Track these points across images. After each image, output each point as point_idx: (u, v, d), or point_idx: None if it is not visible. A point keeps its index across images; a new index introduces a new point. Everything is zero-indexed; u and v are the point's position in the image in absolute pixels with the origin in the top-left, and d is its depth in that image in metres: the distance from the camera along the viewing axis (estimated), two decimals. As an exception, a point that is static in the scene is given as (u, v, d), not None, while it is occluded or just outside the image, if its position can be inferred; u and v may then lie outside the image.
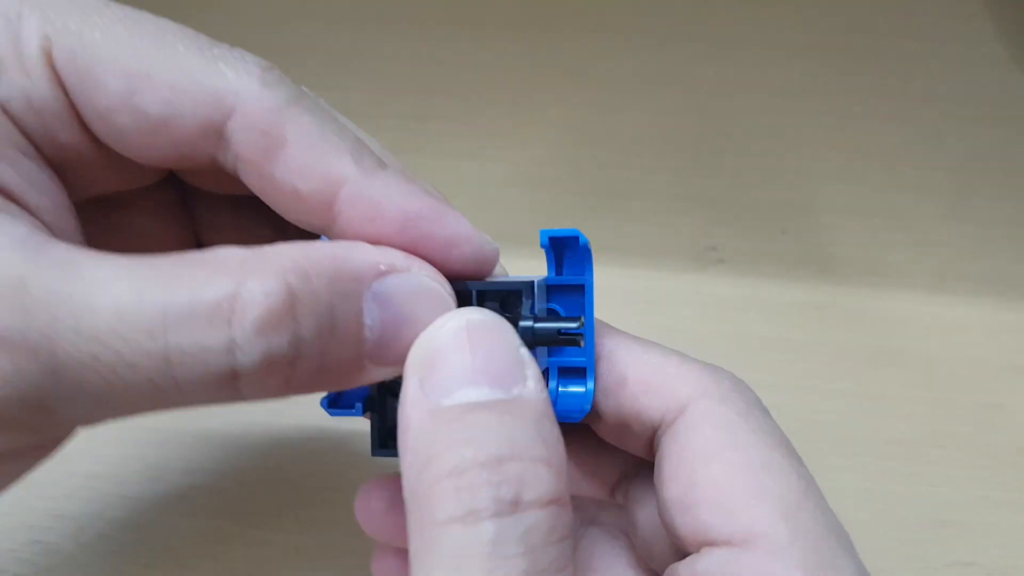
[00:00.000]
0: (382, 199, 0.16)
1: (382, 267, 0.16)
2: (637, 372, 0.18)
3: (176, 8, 0.51)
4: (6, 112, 0.16)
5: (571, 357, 0.19)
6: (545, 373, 0.19)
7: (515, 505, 0.13)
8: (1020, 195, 0.39)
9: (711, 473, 0.16)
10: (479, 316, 0.16)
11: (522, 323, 0.17)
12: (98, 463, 0.30)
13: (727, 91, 0.45)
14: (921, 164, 0.41)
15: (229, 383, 0.14)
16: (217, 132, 0.16)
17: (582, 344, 0.17)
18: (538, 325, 0.17)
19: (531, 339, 0.17)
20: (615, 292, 0.35)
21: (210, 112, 0.16)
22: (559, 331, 0.17)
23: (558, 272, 0.19)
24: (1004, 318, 0.34)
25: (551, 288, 0.19)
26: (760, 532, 0.15)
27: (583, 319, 0.17)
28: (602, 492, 0.21)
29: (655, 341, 0.19)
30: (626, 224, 0.38)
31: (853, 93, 0.44)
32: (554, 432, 0.15)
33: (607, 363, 0.18)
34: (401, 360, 0.16)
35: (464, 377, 0.15)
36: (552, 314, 0.19)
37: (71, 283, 0.14)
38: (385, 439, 0.19)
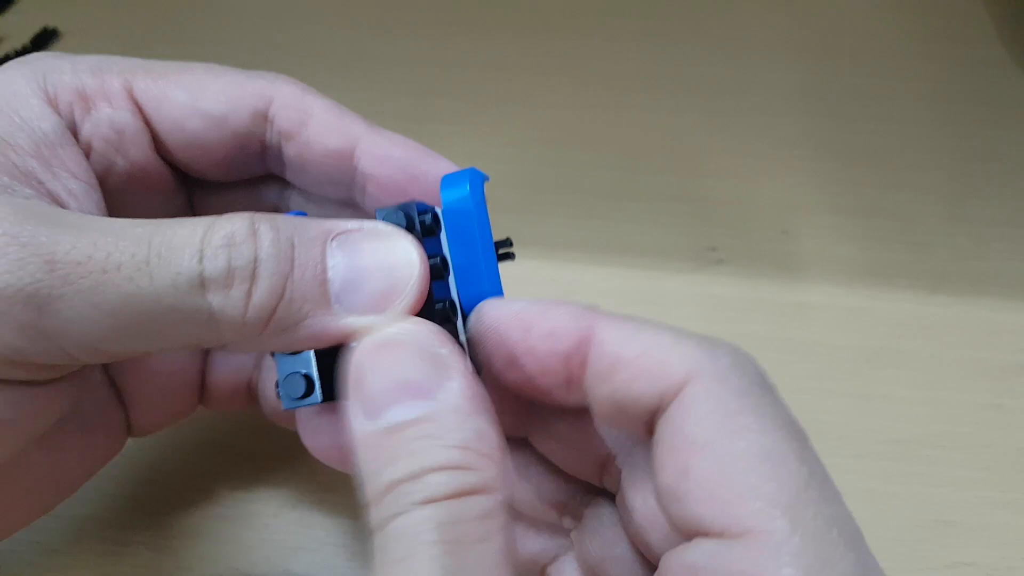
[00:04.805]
0: (390, 146, 0.22)
1: (350, 226, 0.18)
2: (629, 354, 0.17)
3: (180, 11, 0.51)
4: (91, 144, 0.21)
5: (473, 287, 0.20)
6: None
7: (427, 502, 0.15)
8: (1020, 195, 0.39)
9: (704, 462, 0.15)
10: (395, 330, 0.17)
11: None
12: (97, 463, 0.30)
13: (727, 91, 0.45)
14: (921, 164, 0.41)
15: (198, 291, 0.17)
16: (263, 116, 0.22)
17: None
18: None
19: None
20: (614, 292, 0.35)
21: (256, 102, 0.21)
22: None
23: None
24: (1004, 318, 0.34)
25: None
26: (755, 526, 0.14)
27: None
28: (591, 475, 0.21)
29: (649, 319, 0.18)
30: (626, 224, 0.38)
31: (853, 93, 0.44)
32: (479, 427, 0.16)
33: (597, 347, 0.17)
34: (370, 306, 0.18)
35: (388, 396, 0.16)
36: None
37: (77, 214, 0.18)
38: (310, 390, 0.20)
